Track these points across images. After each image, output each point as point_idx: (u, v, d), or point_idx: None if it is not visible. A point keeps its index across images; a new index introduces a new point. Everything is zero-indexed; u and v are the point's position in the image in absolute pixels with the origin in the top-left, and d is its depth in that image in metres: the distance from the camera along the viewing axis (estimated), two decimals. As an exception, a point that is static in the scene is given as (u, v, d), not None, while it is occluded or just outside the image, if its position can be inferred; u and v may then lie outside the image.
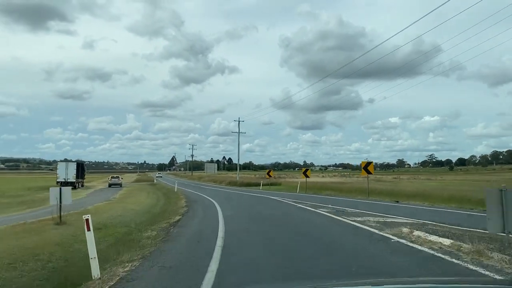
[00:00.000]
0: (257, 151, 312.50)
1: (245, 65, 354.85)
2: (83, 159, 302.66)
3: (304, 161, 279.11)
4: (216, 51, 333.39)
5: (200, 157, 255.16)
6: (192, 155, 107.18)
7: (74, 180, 48.09)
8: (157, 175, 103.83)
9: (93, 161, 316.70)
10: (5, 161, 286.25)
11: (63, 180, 47.86)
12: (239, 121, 69.50)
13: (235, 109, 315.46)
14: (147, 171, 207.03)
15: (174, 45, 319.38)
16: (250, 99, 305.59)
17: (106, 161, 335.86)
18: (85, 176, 56.57)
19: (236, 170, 70.64)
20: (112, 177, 58.21)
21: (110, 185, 53.66)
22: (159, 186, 49.21)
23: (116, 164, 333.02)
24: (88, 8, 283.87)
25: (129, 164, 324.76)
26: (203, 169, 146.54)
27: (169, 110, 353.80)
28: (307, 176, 38.87)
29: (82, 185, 53.22)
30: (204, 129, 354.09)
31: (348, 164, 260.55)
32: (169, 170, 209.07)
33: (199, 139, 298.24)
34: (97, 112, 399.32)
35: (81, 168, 52.57)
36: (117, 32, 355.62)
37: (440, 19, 49.61)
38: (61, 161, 49.97)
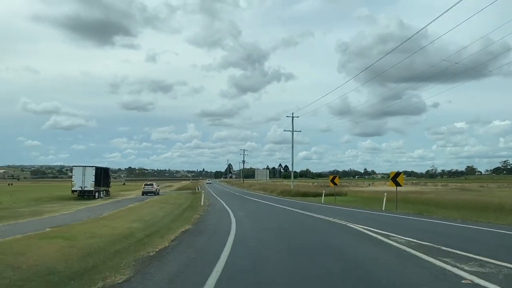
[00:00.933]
0: (314, 158, 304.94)
1: (301, 72, 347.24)
2: (146, 168, 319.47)
3: (365, 169, 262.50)
4: (272, 59, 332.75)
5: (257, 165, 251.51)
6: (244, 161, 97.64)
7: (93, 189, 39.45)
8: (206, 182, 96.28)
9: (156, 169, 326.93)
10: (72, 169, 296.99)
11: (80, 189, 39.42)
12: (292, 117, 58.76)
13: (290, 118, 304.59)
14: (200, 179, 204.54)
15: (232, 55, 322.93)
16: (306, 106, 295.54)
17: (167, 169, 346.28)
18: (111, 184, 47.94)
19: (286, 178, 61.61)
20: (145, 185, 53.62)
21: (143, 193, 49.15)
22: (195, 196, 39.40)
23: (177, 172, 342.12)
24: (150, 22, 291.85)
25: (188, 172, 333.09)
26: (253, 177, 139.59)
27: (227, 118, 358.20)
28: (335, 184, 35.91)
29: (107, 194, 44.61)
30: (260, 137, 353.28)
31: (412, 171, 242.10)
32: (225, 177, 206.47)
33: (256, 147, 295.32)
34: (160, 122, 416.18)
35: (104, 174, 43.87)
36: (178, 45, 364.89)
37: (510, 15, 35.77)
38: (77, 166, 41.10)
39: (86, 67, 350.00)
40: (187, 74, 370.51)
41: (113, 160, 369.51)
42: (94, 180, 39.41)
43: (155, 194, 48.49)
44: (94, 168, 40.46)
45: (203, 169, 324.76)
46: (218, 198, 40.55)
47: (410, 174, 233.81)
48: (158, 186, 54.44)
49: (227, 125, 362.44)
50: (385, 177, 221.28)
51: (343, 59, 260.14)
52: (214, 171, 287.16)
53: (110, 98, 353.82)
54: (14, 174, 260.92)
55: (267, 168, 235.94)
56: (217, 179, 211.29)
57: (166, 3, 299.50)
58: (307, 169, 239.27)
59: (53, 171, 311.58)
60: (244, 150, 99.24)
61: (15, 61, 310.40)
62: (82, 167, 40.18)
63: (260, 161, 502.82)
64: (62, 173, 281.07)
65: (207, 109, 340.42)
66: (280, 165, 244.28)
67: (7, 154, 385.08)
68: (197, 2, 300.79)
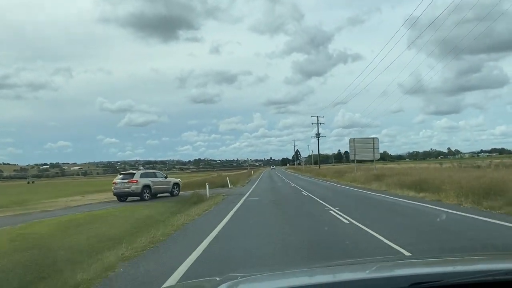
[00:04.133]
0: (386, 141, 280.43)
1: (368, 51, 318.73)
2: (215, 159, 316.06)
3: (448, 148, 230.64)
4: (337, 40, 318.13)
5: (325, 151, 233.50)
6: (318, 135, 72.30)
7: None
8: (271, 168, 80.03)
9: (224, 159, 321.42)
10: (145, 163, 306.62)
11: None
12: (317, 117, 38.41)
13: (360, 99, 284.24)
14: (261, 166, 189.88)
15: (295, 40, 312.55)
16: (375, 86, 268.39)
17: (236, 159, 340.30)
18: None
19: (368, 162, 41.91)
20: (121, 176, 24.12)
21: (117, 196, 23.48)
22: (226, 200, 21.12)
23: (245, 161, 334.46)
24: (211, 13, 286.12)
25: (256, 161, 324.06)
26: (329, 163, 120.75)
27: (292, 105, 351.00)
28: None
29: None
30: (328, 122, 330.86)
31: (502, 149, 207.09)
32: (292, 164, 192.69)
33: (323, 133, 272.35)
34: (227, 113, 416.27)
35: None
36: (240, 34, 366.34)
37: None
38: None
39: (155, 64, 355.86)
40: (251, 63, 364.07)
41: (184, 153, 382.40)
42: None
43: (144, 197, 22.94)
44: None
45: (270, 157, 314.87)
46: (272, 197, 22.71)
47: (501, 152, 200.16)
48: (167, 178, 26.38)
49: (293, 112, 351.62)
50: (474, 156, 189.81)
51: (413, 34, 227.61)
52: (281, 158, 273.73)
53: (179, 93, 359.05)
54: (88, 170, 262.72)
55: (339, 152, 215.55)
56: (283, 166, 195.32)
57: None
58: (384, 152, 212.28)
59: (126, 166, 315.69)
60: (318, 117, 70.71)
61: (90, 63, 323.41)
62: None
63: (328, 147, 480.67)
64: (134, 167, 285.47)
65: (272, 97, 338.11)
66: (339, 150, 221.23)
67: (89, 152, 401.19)
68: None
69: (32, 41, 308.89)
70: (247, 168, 75.54)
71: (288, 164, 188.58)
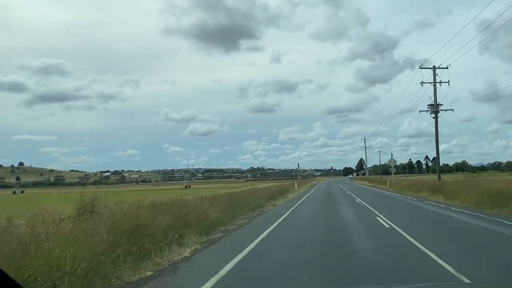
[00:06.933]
0: (455, 152, 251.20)
1: (437, 57, 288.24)
2: (274, 168, 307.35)
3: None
4: (403, 45, 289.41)
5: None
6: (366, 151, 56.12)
7: None
8: (349, 177, 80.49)
9: (283, 168, 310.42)
10: (205, 171, 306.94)
11: None
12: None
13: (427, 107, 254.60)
14: (316, 176, 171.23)
15: (359, 46, 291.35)
16: (444, 94, 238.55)
17: (294, 168, 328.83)
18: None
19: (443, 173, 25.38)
20: None
21: None
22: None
23: (304, 171, 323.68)
24: (272, 21, 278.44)
25: (316, 170, 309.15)
26: (397, 173, 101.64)
27: (354, 114, 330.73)
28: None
29: None
30: (393, 131, 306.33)
31: None
32: (357, 174, 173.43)
33: (388, 143, 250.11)
34: (286, 122, 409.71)
35: None
36: (301, 42, 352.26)
37: None
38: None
39: (216, 74, 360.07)
40: (312, 71, 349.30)
41: (245, 162, 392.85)
42: None
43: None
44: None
45: (331, 167, 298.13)
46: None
47: None
48: None
49: (355, 120, 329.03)
50: None
51: (487, 38, 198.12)
52: (342, 168, 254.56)
53: (239, 102, 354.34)
54: (147, 177, 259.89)
55: (411, 161, 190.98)
56: (346, 177, 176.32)
57: None
58: (463, 161, 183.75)
59: (186, 174, 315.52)
60: (365, 139, 55.02)
61: (156, 75, 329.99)
62: None
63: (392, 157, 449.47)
64: (193, 175, 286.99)
65: (333, 106, 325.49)
66: (427, 158, 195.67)
67: (155, 160, 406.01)
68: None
69: (103, 54, 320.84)
70: (297, 178, 59.86)
71: (353, 174, 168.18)
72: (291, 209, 17.75)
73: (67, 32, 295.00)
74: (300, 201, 24.44)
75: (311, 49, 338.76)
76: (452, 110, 30.59)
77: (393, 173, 43.51)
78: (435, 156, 34.24)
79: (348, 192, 35.01)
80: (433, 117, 29.77)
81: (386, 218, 13.18)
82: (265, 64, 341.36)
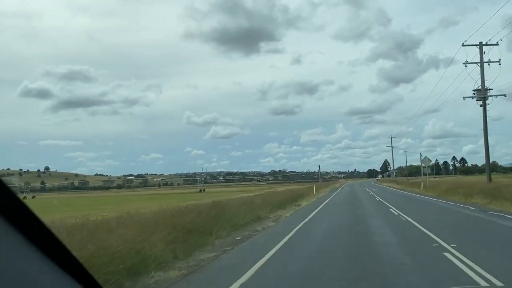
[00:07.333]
0: (483, 152, 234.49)
1: (464, 55, 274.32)
2: (296, 171, 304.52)
3: None
4: (427, 44, 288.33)
5: (414, 162, 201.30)
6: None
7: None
8: (377, 178, 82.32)
9: (305, 171, 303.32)
10: (226, 174, 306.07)
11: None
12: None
13: (453, 107, 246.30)
14: (339, 178, 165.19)
15: (381, 46, 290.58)
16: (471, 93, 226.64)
17: (316, 171, 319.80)
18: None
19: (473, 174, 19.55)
20: None
21: None
22: None
23: (327, 173, 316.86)
24: (292, 23, 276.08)
25: (339, 173, 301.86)
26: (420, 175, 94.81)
27: (378, 115, 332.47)
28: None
29: None
30: (417, 132, 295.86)
31: None
32: (382, 176, 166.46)
33: (412, 144, 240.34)
34: (308, 124, 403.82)
35: None
36: (322, 42, 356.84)
37: None
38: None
39: (237, 77, 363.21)
40: (333, 72, 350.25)
41: (266, 165, 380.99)
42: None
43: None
44: None
45: (355, 169, 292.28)
46: None
47: None
48: None
49: (378, 122, 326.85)
50: None
51: None
52: (365, 170, 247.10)
53: (260, 105, 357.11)
54: (169, 181, 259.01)
55: (437, 162, 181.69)
56: (370, 179, 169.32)
57: (307, 0, 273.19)
58: (493, 162, 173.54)
59: (207, 177, 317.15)
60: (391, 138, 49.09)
61: (178, 79, 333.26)
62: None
63: (417, 158, 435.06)
64: (215, 178, 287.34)
65: (355, 107, 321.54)
66: (454, 159, 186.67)
67: (178, 163, 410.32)
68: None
69: (125, 60, 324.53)
70: (318, 181, 54.69)
71: (379, 176, 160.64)
72: (298, 228, 12.12)
73: (90, 38, 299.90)
74: (315, 211, 18.65)
75: (332, 50, 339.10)
76: (505, 95, 25.00)
77: (427, 174, 37.43)
78: (462, 156, 28.46)
79: (378, 198, 28.58)
80: (480, 105, 24.18)
81: (465, 256, 7.00)
82: (286, 66, 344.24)
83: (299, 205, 22.11)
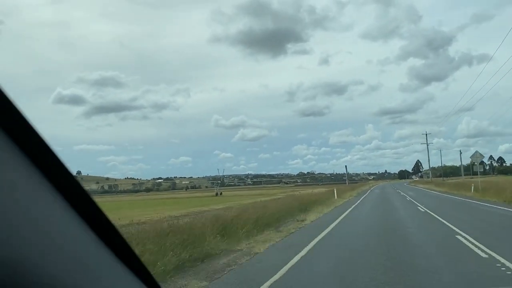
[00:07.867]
0: None
1: (499, 51, 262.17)
2: (325, 172, 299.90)
3: None
4: (459, 41, 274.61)
5: (448, 163, 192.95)
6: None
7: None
8: (412, 179, 56.76)
9: (334, 172, 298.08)
10: (254, 177, 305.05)
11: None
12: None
13: (488, 105, 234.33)
14: (369, 180, 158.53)
15: (411, 44, 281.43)
16: (507, 90, 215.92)
17: (345, 172, 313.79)
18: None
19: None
20: None
21: None
22: None
23: (357, 175, 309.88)
24: (320, 23, 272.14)
25: (369, 174, 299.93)
26: (458, 175, 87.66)
27: (408, 115, 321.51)
28: None
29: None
30: (450, 131, 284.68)
31: None
32: (414, 177, 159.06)
33: (445, 144, 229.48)
34: (337, 125, 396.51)
35: None
36: (351, 42, 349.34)
37: None
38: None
39: (264, 79, 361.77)
40: (362, 72, 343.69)
41: (294, 167, 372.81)
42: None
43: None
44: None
45: (385, 170, 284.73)
46: None
47: None
48: None
49: (409, 121, 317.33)
50: None
51: None
52: (397, 171, 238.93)
53: (288, 106, 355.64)
54: (197, 184, 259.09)
55: (473, 163, 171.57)
56: (402, 180, 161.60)
57: (334, 0, 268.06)
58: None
59: (235, 179, 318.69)
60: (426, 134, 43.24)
61: (205, 83, 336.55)
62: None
63: (450, 158, 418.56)
64: (242, 181, 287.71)
65: (386, 107, 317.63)
66: (491, 158, 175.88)
67: (207, 166, 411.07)
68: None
69: (155, 65, 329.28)
70: (346, 183, 50.37)
71: (414, 177, 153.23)
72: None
73: (120, 45, 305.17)
74: (324, 233, 11.28)
75: (361, 49, 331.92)
76: None
77: (478, 173, 31.05)
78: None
79: (421, 208, 19.82)
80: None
81: None
82: (314, 66, 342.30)
83: (303, 220, 16.39)
